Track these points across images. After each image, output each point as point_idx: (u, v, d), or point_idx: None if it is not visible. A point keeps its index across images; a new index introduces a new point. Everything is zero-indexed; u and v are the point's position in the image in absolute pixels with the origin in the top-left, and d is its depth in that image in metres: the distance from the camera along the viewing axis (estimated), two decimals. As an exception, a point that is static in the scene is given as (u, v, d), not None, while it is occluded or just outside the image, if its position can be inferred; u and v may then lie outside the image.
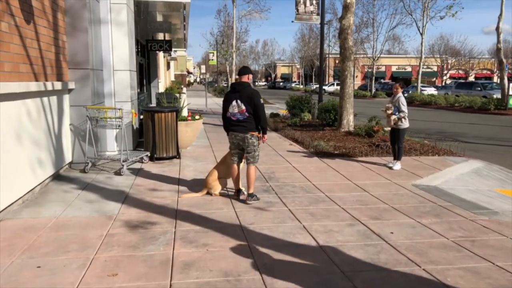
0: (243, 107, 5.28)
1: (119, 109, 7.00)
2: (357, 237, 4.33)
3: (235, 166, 5.63)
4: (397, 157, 7.75)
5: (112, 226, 4.53)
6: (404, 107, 7.55)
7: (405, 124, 7.63)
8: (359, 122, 12.53)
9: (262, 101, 5.38)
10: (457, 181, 6.95)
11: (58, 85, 6.33)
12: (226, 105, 5.46)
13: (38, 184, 5.80)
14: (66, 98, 7.02)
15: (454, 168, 7.81)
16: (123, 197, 5.65)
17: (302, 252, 3.90)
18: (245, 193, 5.66)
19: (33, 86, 5.39)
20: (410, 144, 9.44)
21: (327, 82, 53.03)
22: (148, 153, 7.93)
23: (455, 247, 4.09)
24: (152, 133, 7.93)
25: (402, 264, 3.68)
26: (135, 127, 8.95)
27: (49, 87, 5.94)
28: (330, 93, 43.01)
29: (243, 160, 5.66)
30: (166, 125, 7.96)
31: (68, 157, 7.13)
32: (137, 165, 7.64)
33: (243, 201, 5.49)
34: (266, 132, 5.53)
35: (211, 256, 3.80)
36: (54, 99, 6.42)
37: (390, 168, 7.65)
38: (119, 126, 7.04)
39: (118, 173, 6.95)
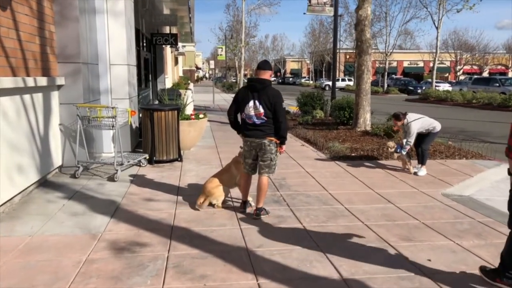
0: (261, 110, 4.45)
1: (112, 108, 6.29)
2: (388, 266, 3.56)
3: (247, 176, 4.88)
4: (421, 161, 6.96)
5: (95, 249, 3.82)
6: (410, 136, 6.67)
7: (437, 127, 6.81)
8: (375, 121, 11.72)
9: (284, 105, 4.59)
10: (492, 190, 6.14)
11: (42, 81, 5.63)
12: (240, 104, 4.61)
13: (19, 193, 5.13)
14: (55, 95, 6.33)
15: (486, 174, 6.99)
16: (113, 209, 4.94)
17: (323, 289, 3.15)
18: (253, 204, 4.92)
19: (7, 82, 4.68)
20: (434, 146, 8.61)
21: (338, 78, 51.91)
22: (147, 156, 7.22)
23: None
24: (151, 133, 7.21)
25: (450, 309, 2.91)
26: (134, 126, 8.25)
27: (30, 83, 5.24)
28: (341, 89, 42.01)
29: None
30: (167, 125, 7.24)
31: (57, 160, 6.45)
32: (134, 169, 6.94)
33: (251, 215, 4.75)
34: (285, 142, 4.68)
35: (209, 294, 3.07)
36: (38, 96, 5.73)
37: (415, 173, 6.86)
38: (113, 126, 6.33)
39: (111, 178, 6.25)
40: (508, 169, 3.24)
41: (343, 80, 50.46)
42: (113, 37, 7.66)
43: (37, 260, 3.56)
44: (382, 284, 3.23)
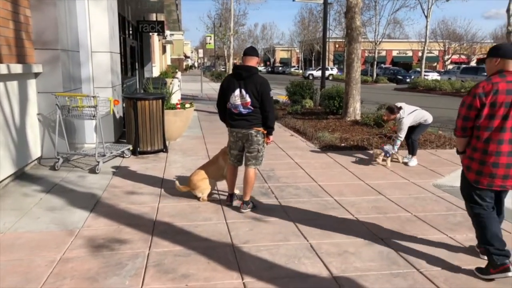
0: (248, 99, 4.22)
1: (93, 97, 6.01)
2: (380, 262, 3.40)
3: (233, 168, 4.67)
4: (411, 152, 6.82)
5: (71, 246, 3.60)
6: (401, 131, 6.51)
7: (428, 119, 6.65)
8: (364, 110, 11.56)
9: (271, 93, 4.37)
10: (484, 180, 6.02)
11: (17, 68, 5.33)
12: (226, 93, 4.37)
13: (-7, 187, 4.87)
14: (32, 83, 6.03)
15: (478, 164, 6.87)
16: (93, 203, 4.71)
17: (312, 289, 2.98)
18: (240, 197, 4.73)
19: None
20: (425, 136, 8.48)
21: (332, 66, 51.70)
22: (130, 147, 6.96)
23: (509, 278, 3.17)
24: (134, 123, 6.95)
25: (445, 308, 2.76)
26: (117, 116, 7.98)
27: (3, 70, 4.95)
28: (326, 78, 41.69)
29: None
30: (151, 114, 6.98)
31: (36, 152, 6.17)
32: (117, 160, 6.69)
33: (237, 209, 4.56)
34: (272, 132, 4.46)
35: (192, 295, 2.88)
36: (13, 84, 5.43)
37: (406, 164, 6.72)
38: (94, 116, 6.06)
39: (93, 170, 6.00)
40: (456, 148, 3.47)
41: (326, 69, 49.90)
42: (95, 23, 7.35)
43: (7, 260, 3.32)
44: (374, 282, 3.07)
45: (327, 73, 46.46)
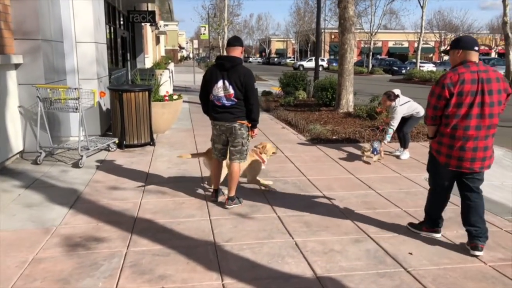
0: (231, 91, 4.05)
1: (75, 89, 5.82)
2: (367, 261, 3.28)
3: (217, 162, 4.52)
4: (403, 145, 6.69)
5: (45, 245, 3.45)
6: (394, 120, 6.36)
7: (421, 112, 6.50)
8: (358, 102, 11.41)
9: (256, 85, 4.19)
10: (477, 174, 5.90)
11: (-7, 59, 5.14)
12: (208, 84, 4.21)
13: (-31, 183, 4.69)
14: (12, 74, 5.83)
15: (471, 157, 6.76)
16: (73, 199, 4.55)
17: (294, 290, 2.84)
18: (225, 193, 4.58)
19: None
20: (418, 128, 8.34)
21: (323, 57, 51.36)
22: (116, 140, 6.79)
23: (498, 277, 3.06)
24: (120, 116, 6.77)
25: (432, 311, 2.64)
26: (104, 108, 7.79)
27: (-22, 61, 4.75)
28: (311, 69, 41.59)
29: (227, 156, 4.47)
30: (137, 106, 6.80)
31: (17, 145, 5.99)
32: (102, 154, 6.52)
33: (222, 205, 4.42)
34: (257, 125, 4.34)
35: (167, 298, 2.74)
36: (-9, 76, 5.24)
37: (397, 157, 6.60)
38: (77, 108, 5.88)
39: (76, 165, 5.84)
40: (427, 134, 4.02)
41: (309, 60, 49.27)
42: (79, 13, 7.12)
43: (-24, 261, 3.18)
44: (360, 283, 2.95)
45: (309, 64, 46.15)
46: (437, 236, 3.71)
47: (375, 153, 6.27)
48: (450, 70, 3.31)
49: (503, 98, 3.28)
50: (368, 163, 6.24)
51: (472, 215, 3.43)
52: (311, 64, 45.90)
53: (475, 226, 3.41)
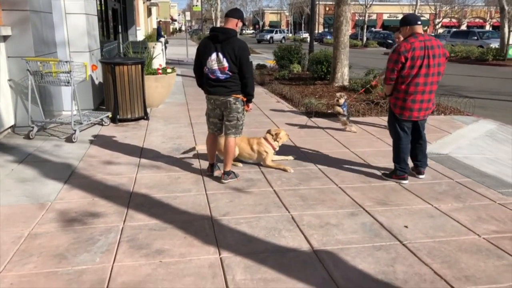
0: (226, 64, 3.95)
1: (66, 62, 5.69)
2: (362, 234, 3.31)
3: (213, 136, 4.47)
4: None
5: (41, 220, 3.43)
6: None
7: None
8: (353, 75, 11.32)
9: (251, 58, 4.08)
10: (471, 147, 5.94)
11: (-19, 31, 4.98)
12: (202, 56, 4.11)
13: (-39, 158, 4.63)
14: (1, 47, 5.67)
15: (465, 131, 6.79)
16: (67, 174, 4.52)
17: (291, 264, 2.86)
18: (221, 168, 4.57)
19: None
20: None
21: (317, 31, 50.68)
22: (109, 114, 6.71)
23: (492, 249, 3.10)
24: (113, 90, 6.66)
25: (427, 283, 2.67)
26: (97, 82, 7.66)
27: (-35, 33, 4.60)
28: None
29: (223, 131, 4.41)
30: (130, 80, 6.69)
31: (9, 120, 5.90)
32: (96, 129, 6.45)
33: (218, 179, 4.41)
34: (252, 100, 4.28)
35: (165, 272, 2.74)
36: (-21, 48, 5.09)
37: (393, 131, 6.59)
38: (68, 82, 5.77)
39: (70, 139, 5.77)
40: (385, 93, 4.84)
41: (276, 32, 48.35)
42: (68, -18, 6.89)
43: (-29, 236, 3.16)
44: (356, 256, 2.98)
45: (281, 36, 45.44)
46: (405, 182, 4.40)
47: (344, 108, 6.42)
48: (403, 41, 4.18)
49: (442, 60, 4.15)
50: (354, 131, 6.44)
51: (420, 154, 4.52)
52: (278, 36, 45.62)
53: (421, 161, 4.55)
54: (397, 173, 4.44)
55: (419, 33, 4.14)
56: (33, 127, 5.83)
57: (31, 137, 5.77)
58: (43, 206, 3.71)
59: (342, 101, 6.42)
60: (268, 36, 47.21)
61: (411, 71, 4.10)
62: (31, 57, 5.77)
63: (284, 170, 4.74)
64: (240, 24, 4.12)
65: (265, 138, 4.91)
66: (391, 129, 4.49)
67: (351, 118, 6.82)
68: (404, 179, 4.42)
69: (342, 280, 2.68)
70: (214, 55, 3.98)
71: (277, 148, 4.98)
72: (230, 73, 3.99)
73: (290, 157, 5.17)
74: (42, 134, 6.03)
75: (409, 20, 4.23)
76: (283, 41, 44.44)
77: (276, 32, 48.90)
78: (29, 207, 3.69)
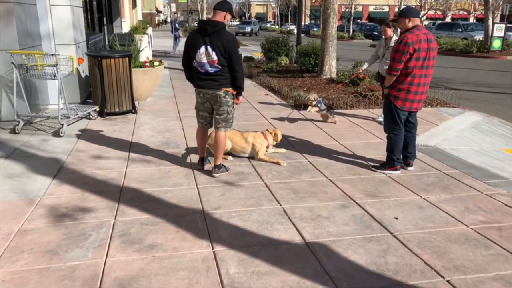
0: (215, 57, 3.92)
1: (52, 55, 5.60)
2: (354, 226, 3.35)
3: (202, 130, 4.45)
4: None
5: (30, 216, 3.39)
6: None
7: None
8: (340, 68, 11.37)
9: (240, 51, 4.06)
10: (458, 139, 6.03)
11: (-36, 23, 4.86)
12: (191, 50, 4.07)
13: None
14: (-16, 40, 5.55)
15: (451, 123, 6.89)
16: (56, 169, 4.46)
17: (283, 257, 2.89)
18: (211, 161, 4.56)
19: None
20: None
21: (304, 23, 50.58)
22: (97, 108, 6.63)
23: (480, 239, 3.17)
24: (100, 83, 6.58)
25: (418, 273, 2.73)
26: (83, 75, 7.55)
27: None
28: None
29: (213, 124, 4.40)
30: (117, 73, 6.61)
31: (-7, 114, 5.79)
32: (83, 123, 6.37)
33: (209, 173, 4.41)
34: (242, 93, 4.26)
35: (159, 266, 2.75)
36: (-38, 41, 4.97)
37: (380, 123, 6.65)
38: (55, 75, 5.68)
39: (57, 133, 5.69)
40: (383, 86, 5.37)
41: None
42: (52, -27, 6.75)
43: (-40, 233, 3.11)
44: (348, 248, 3.01)
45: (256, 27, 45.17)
46: (397, 173, 4.53)
47: (319, 105, 6.54)
48: (407, 32, 4.18)
49: (436, 54, 4.31)
50: (335, 122, 6.59)
51: (410, 145, 4.60)
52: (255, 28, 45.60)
53: (411, 152, 4.62)
54: (393, 164, 4.51)
55: (420, 26, 4.22)
56: (19, 121, 5.73)
57: (17, 131, 5.68)
58: (32, 202, 3.67)
59: (313, 98, 6.66)
60: (248, 29, 46.63)
61: (417, 63, 4.17)
62: (15, 50, 5.66)
63: (277, 163, 4.75)
64: (228, 16, 4.09)
65: (263, 133, 5.01)
66: (390, 121, 4.50)
67: (336, 110, 6.87)
68: (398, 169, 4.53)
69: (335, 272, 2.72)
70: (203, 48, 3.95)
71: (271, 146, 5.06)
72: (220, 67, 3.97)
73: (283, 150, 5.19)
74: (28, 129, 5.94)
75: (412, 13, 4.26)
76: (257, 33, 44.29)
77: (255, 24, 48.61)
78: (18, 203, 3.65)
